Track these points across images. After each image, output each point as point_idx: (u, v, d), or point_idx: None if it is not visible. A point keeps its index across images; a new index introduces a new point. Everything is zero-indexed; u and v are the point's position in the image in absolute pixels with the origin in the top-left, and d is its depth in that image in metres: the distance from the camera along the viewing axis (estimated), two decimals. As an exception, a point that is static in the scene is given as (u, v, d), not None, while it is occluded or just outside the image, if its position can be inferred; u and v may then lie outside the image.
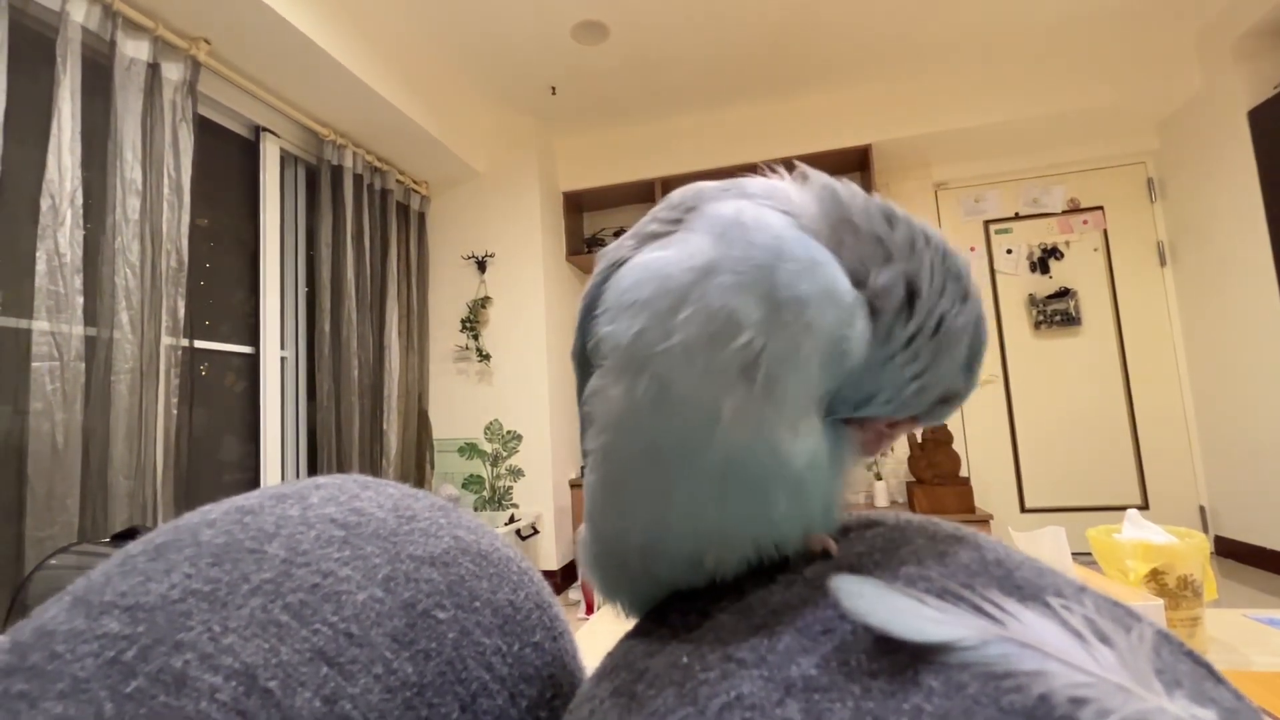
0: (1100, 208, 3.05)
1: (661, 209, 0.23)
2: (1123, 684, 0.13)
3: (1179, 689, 0.13)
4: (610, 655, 0.21)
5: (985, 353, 0.22)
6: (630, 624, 0.25)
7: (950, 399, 0.22)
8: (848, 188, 0.21)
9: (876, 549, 0.19)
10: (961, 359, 0.21)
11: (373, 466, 2.51)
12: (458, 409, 2.97)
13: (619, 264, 0.21)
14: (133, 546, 0.20)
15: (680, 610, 0.20)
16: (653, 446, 0.19)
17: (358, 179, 2.51)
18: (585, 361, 0.22)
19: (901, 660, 0.14)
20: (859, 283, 0.19)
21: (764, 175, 0.23)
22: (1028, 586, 0.17)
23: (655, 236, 0.21)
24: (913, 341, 0.20)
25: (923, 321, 0.20)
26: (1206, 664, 0.17)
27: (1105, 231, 3.04)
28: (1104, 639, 0.14)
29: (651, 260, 0.20)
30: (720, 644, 0.17)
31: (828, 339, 0.19)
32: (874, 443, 0.23)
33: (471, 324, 2.95)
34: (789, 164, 0.23)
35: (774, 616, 0.17)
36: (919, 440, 2.80)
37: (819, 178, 0.22)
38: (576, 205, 3.37)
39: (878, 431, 0.22)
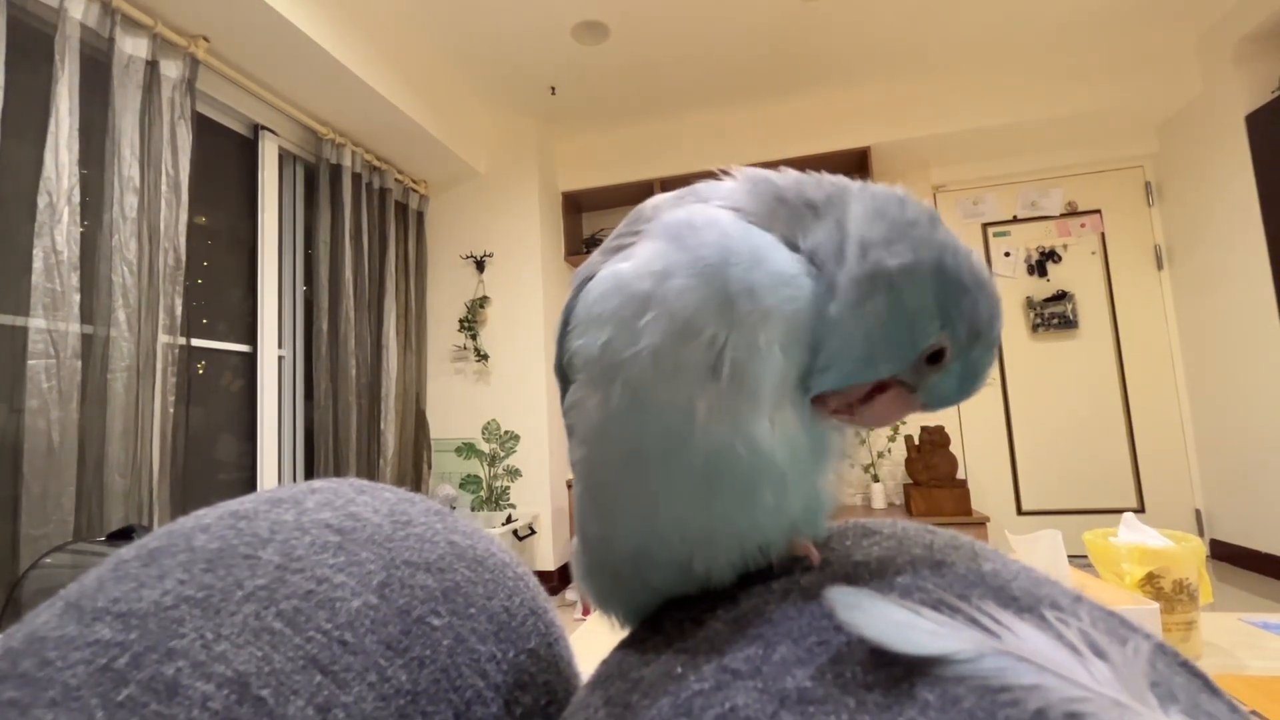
0: (1098, 211, 3.06)
1: (625, 223, 0.23)
2: (1118, 699, 0.13)
3: (1174, 703, 0.13)
4: (605, 663, 0.21)
5: (964, 303, 0.20)
6: (624, 633, 0.25)
7: (938, 356, 0.20)
8: (781, 173, 0.22)
9: (873, 558, 0.19)
10: (929, 304, 0.19)
11: (370, 466, 2.51)
12: (455, 409, 2.97)
13: (588, 280, 0.22)
14: (125, 551, 0.20)
15: (674, 618, 0.20)
16: (633, 453, 0.20)
17: (356, 178, 2.50)
18: (565, 376, 0.23)
19: (897, 673, 0.14)
20: (794, 246, 0.20)
21: (718, 179, 0.23)
22: (1024, 598, 0.17)
23: (619, 249, 0.22)
24: (848, 286, 0.19)
25: (855, 266, 0.19)
26: (1202, 675, 0.17)
27: (1103, 235, 3.05)
28: (1099, 653, 0.14)
29: (614, 272, 0.21)
30: (715, 654, 0.17)
31: (786, 316, 0.19)
32: (884, 408, 0.21)
33: (470, 324, 2.95)
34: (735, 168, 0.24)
35: (769, 626, 0.17)
36: (916, 442, 2.80)
37: (754, 171, 0.23)
38: (575, 205, 3.37)
39: (865, 397, 0.21)
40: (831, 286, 0.20)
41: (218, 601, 0.18)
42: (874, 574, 0.19)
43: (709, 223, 0.20)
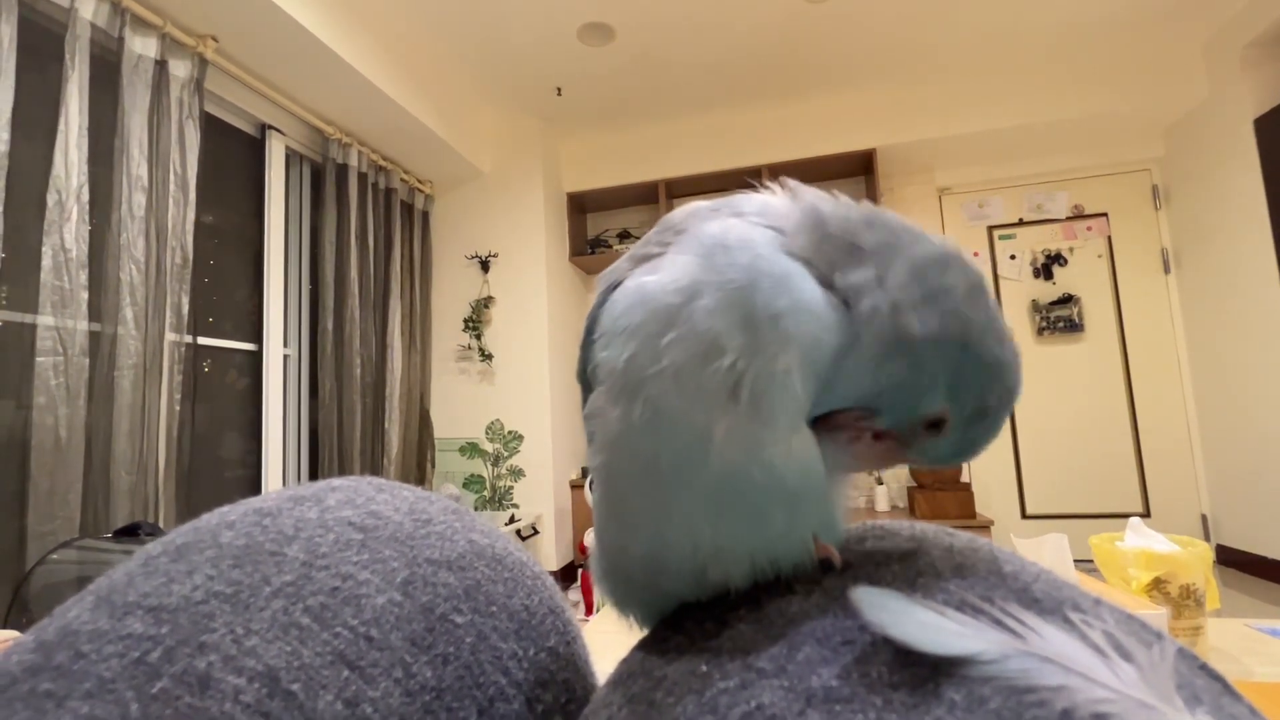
0: (1104, 214, 3.05)
1: (656, 230, 0.23)
2: (1144, 700, 0.13)
3: (1200, 705, 0.14)
4: (625, 662, 0.21)
5: (976, 383, 0.20)
6: (640, 634, 0.25)
7: (938, 424, 0.21)
8: (835, 200, 0.21)
9: (894, 560, 0.19)
10: (941, 376, 0.20)
11: (374, 465, 2.52)
12: (459, 408, 2.97)
13: (615, 286, 0.22)
14: (153, 547, 0.21)
15: (696, 618, 0.20)
16: (650, 466, 0.20)
17: (362, 178, 2.51)
18: (588, 382, 0.23)
19: (923, 673, 0.14)
20: (828, 281, 0.20)
21: (760, 191, 0.23)
22: (1046, 600, 0.17)
23: (648, 258, 0.22)
24: (879, 342, 0.19)
25: (884, 320, 0.19)
26: (1222, 679, 0.17)
27: (1109, 238, 3.04)
28: (1125, 654, 0.14)
29: (641, 285, 0.21)
30: (739, 653, 0.17)
31: (807, 347, 0.19)
32: (866, 453, 0.22)
33: (474, 324, 2.95)
34: (777, 177, 0.23)
35: (793, 627, 0.18)
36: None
37: (807, 192, 0.22)
38: (580, 206, 3.37)
39: (864, 438, 0.22)
40: (856, 333, 0.20)
41: (246, 597, 0.18)
42: (896, 575, 0.19)
43: (742, 243, 0.20)
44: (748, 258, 0.20)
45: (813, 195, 0.22)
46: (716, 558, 0.20)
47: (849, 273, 0.20)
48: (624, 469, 0.21)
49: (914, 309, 0.19)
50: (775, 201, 0.22)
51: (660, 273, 0.20)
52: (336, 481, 0.25)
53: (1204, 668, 0.17)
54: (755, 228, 0.21)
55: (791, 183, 0.23)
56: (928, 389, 0.20)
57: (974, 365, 0.20)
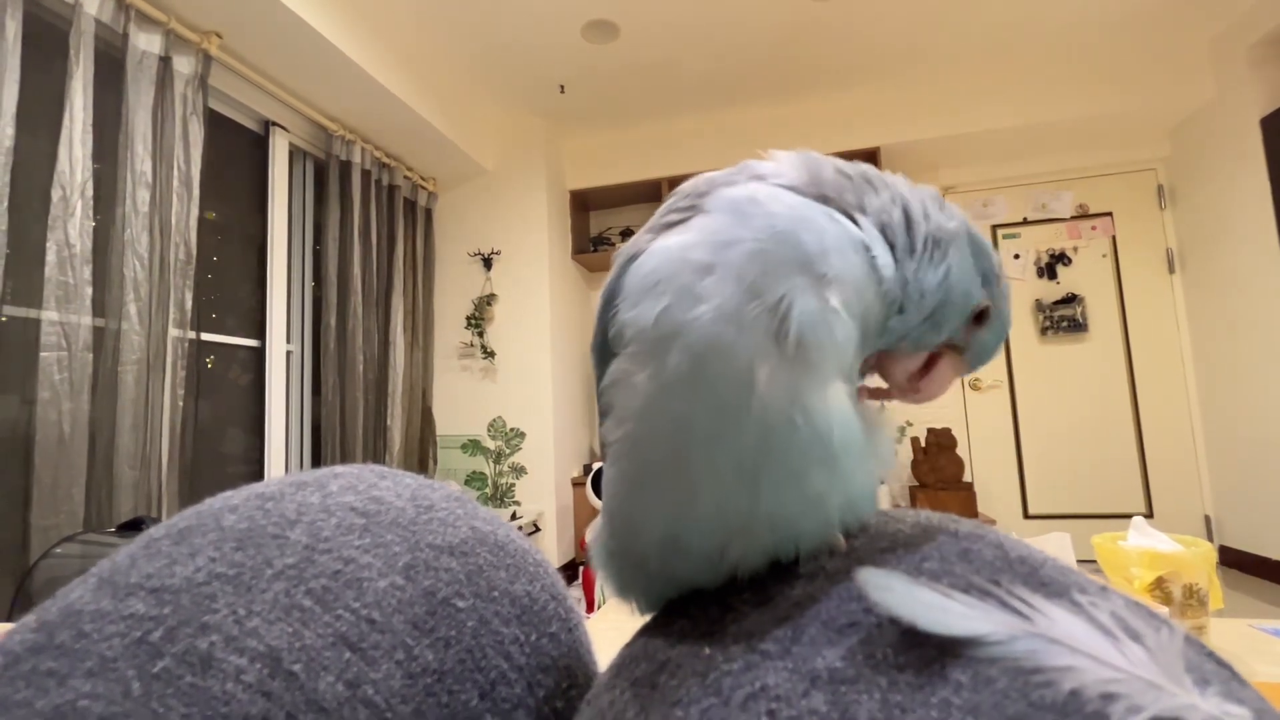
0: (1109, 214, 3.04)
1: (675, 199, 0.23)
2: (1153, 680, 0.13)
3: (1209, 687, 0.13)
4: (628, 647, 0.21)
5: (994, 262, 0.23)
6: (640, 621, 0.25)
7: (982, 316, 0.22)
8: (819, 156, 0.24)
9: (899, 545, 0.19)
10: (970, 266, 0.22)
11: (375, 461, 2.51)
12: (461, 405, 2.97)
13: (636, 255, 0.21)
14: (155, 530, 0.21)
15: (699, 603, 0.20)
16: (681, 430, 0.19)
17: (366, 175, 2.51)
18: (606, 353, 0.22)
19: (928, 654, 0.14)
20: (854, 219, 0.21)
21: (766, 159, 0.24)
22: (1053, 584, 0.17)
23: (671, 225, 0.22)
24: (923, 249, 0.21)
25: (925, 227, 0.21)
26: (1229, 665, 0.17)
27: (1114, 238, 3.03)
28: (1134, 636, 0.14)
29: (670, 244, 0.20)
30: (743, 636, 0.17)
31: (856, 281, 0.19)
32: (943, 376, 0.23)
33: (476, 321, 2.95)
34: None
35: (797, 609, 0.17)
36: (923, 444, 2.80)
37: (804, 152, 0.24)
38: (583, 204, 3.37)
39: (923, 365, 0.23)
40: (903, 250, 0.21)
41: (249, 579, 0.18)
42: (901, 559, 0.18)
43: (774, 198, 0.20)
44: (784, 208, 0.20)
45: (806, 154, 0.23)
46: (742, 533, 0.19)
47: (873, 199, 0.22)
48: (652, 435, 0.20)
49: (939, 210, 0.22)
50: (785, 165, 0.23)
51: (689, 233, 0.20)
52: (339, 468, 0.25)
53: (1211, 655, 0.17)
54: (777, 188, 0.21)
55: (780, 152, 0.23)
56: (973, 281, 0.22)
57: (982, 248, 0.23)
